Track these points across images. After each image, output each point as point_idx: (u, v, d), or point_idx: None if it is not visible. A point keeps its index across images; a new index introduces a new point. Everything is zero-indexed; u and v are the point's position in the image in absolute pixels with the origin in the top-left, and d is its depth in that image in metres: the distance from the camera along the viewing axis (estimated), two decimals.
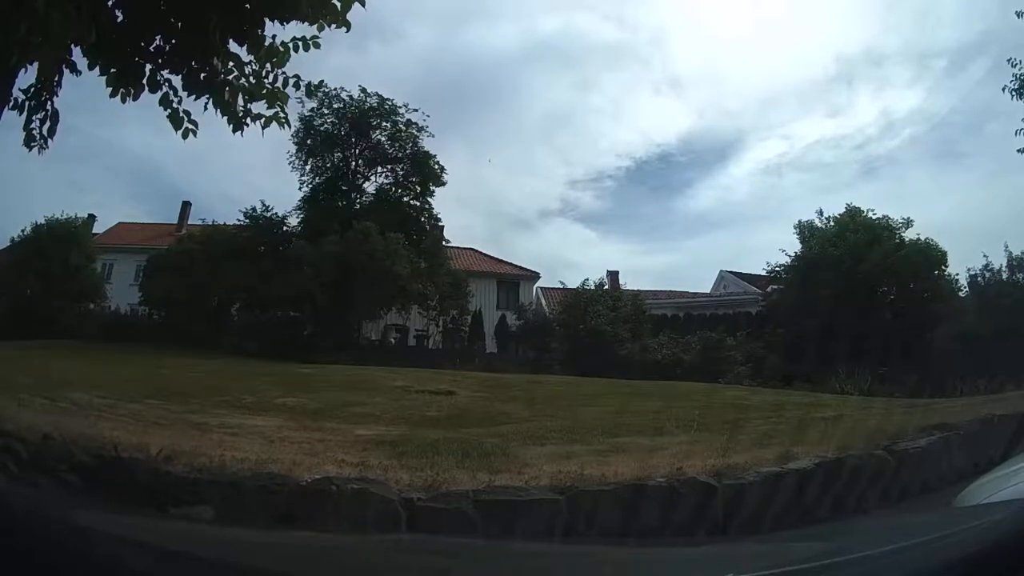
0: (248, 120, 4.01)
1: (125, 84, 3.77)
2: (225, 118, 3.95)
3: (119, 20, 3.66)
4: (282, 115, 4.09)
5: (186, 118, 3.94)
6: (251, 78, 3.96)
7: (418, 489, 3.64)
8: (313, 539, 2.18)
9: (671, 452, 4.88)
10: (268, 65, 3.95)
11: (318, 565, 1.44)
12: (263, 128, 4.04)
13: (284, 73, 3.98)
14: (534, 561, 1.77)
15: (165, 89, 3.88)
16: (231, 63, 3.86)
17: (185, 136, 3.95)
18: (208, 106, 3.91)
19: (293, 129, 22.15)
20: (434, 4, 48.83)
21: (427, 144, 23.58)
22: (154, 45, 3.76)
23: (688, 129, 61.55)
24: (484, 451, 4.99)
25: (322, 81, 4.25)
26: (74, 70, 3.76)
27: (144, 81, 3.80)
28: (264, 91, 3.99)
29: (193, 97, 3.86)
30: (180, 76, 3.79)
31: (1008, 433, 5.03)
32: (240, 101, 3.96)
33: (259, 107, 4.05)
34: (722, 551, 1.98)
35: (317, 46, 3.90)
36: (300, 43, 3.89)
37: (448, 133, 44.11)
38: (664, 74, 55.86)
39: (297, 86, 4.08)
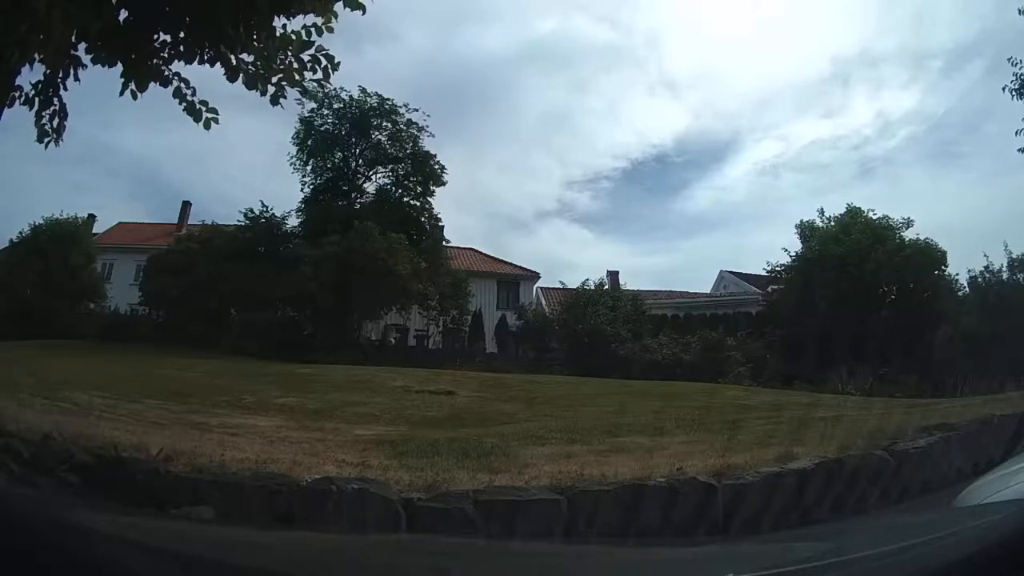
0: (285, 93, 3.99)
1: (135, 79, 3.76)
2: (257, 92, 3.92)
3: (123, 18, 3.66)
4: (311, 79, 4.07)
5: (204, 108, 3.93)
6: (266, 65, 3.94)
7: (418, 489, 3.64)
8: (313, 539, 2.17)
9: (671, 452, 4.88)
10: (285, 53, 3.93)
11: (318, 565, 1.44)
12: (305, 90, 4.03)
13: (311, 52, 3.94)
14: (534, 561, 1.77)
15: (176, 83, 3.86)
16: (248, 50, 3.84)
17: (207, 126, 3.94)
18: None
19: (294, 130, 22.32)
20: (429, 6, 48.89)
21: (427, 144, 23.62)
22: (160, 40, 3.75)
23: (684, 130, 61.76)
24: (484, 451, 4.98)
25: (339, 62, 4.18)
26: (80, 65, 3.75)
27: (154, 77, 3.80)
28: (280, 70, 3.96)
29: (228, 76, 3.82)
30: (211, 63, 3.77)
31: (1008, 433, 5.04)
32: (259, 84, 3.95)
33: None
34: (722, 551, 1.98)
35: (331, 30, 3.89)
36: (313, 29, 3.88)
37: (445, 134, 43.91)
38: (659, 76, 55.84)
39: (319, 61, 4.01)
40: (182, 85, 3.88)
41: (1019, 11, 11.28)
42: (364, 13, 3.79)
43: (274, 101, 3.98)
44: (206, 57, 3.75)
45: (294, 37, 3.88)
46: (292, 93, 4.19)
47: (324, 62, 3.99)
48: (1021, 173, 37.92)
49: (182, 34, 3.72)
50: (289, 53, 3.91)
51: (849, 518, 3.87)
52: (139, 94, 3.82)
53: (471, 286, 23.43)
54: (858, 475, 4.21)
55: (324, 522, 3.27)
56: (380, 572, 1.54)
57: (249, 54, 3.83)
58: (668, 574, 1.63)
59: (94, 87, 3.90)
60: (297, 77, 3.98)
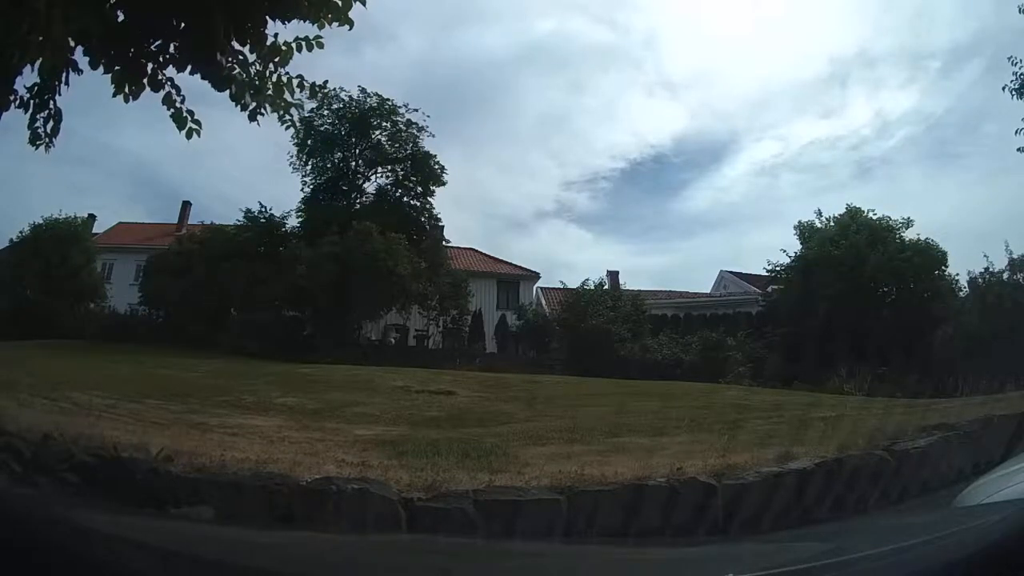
0: (263, 109, 3.99)
1: (129, 83, 3.75)
2: (238, 107, 3.92)
3: (120, 20, 3.65)
4: (294, 101, 4.06)
5: (189, 118, 3.92)
6: (255, 78, 3.93)
7: (418, 489, 3.64)
8: (313, 539, 2.17)
9: (671, 452, 4.88)
10: (271, 65, 3.92)
11: (318, 565, 1.44)
12: (282, 114, 4.02)
13: (288, 74, 3.97)
14: (534, 561, 1.77)
15: (168, 88, 3.86)
16: (237, 59, 3.84)
17: (189, 136, 3.93)
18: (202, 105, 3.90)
19: (294, 130, 22.33)
20: (428, 6, 48.87)
21: (427, 144, 23.63)
22: (156, 44, 3.75)
23: (682, 130, 61.90)
24: (484, 451, 4.98)
25: (326, 81, 4.19)
26: (76, 69, 3.74)
27: (146, 81, 3.78)
28: (269, 85, 3.95)
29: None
30: (201, 74, 3.76)
31: (1008, 433, 5.02)
32: (247, 97, 3.94)
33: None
34: (722, 551, 1.98)
35: (320, 46, 3.88)
36: (304, 43, 3.88)
37: (444, 135, 43.87)
38: (657, 76, 55.86)
39: (301, 87, 4.05)
40: (172, 92, 3.88)
41: (1019, 10, 11.28)
42: (351, 28, 3.79)
43: (252, 117, 3.97)
44: (199, 63, 3.74)
45: (283, 48, 3.87)
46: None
47: (309, 81, 4.01)
48: (1021, 173, 37.91)
49: (176, 43, 3.71)
50: (275, 65, 3.90)
51: (849, 518, 3.87)
52: (132, 98, 3.81)
53: (471, 286, 23.40)
54: (858, 475, 4.21)
55: (324, 522, 3.27)
56: (380, 572, 1.54)
57: (241, 54, 3.82)
58: (668, 574, 1.63)
59: (94, 88, 3.89)
60: (283, 95, 3.97)
